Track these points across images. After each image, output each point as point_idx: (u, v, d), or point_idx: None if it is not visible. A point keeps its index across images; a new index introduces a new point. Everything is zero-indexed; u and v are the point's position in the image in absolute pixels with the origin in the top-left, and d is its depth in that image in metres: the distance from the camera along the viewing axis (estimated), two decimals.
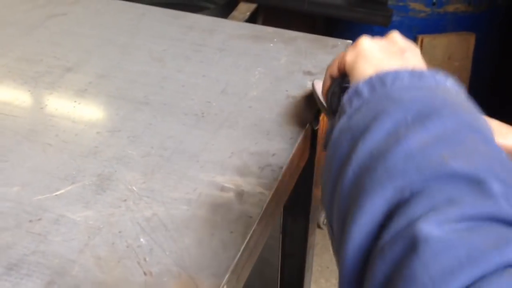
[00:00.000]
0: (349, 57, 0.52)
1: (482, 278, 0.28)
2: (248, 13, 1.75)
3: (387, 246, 0.32)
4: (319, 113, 0.78)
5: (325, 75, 0.62)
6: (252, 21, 1.69)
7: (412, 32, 1.82)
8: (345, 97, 0.45)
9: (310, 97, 0.81)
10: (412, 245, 0.30)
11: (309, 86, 0.83)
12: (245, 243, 0.58)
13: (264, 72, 0.88)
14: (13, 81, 0.85)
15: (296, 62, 0.91)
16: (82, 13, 1.06)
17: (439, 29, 1.85)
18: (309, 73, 0.88)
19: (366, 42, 0.51)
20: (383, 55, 0.50)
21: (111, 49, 0.94)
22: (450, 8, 1.83)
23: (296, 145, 0.72)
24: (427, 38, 1.80)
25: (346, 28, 1.97)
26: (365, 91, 0.43)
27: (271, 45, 0.96)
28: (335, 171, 0.40)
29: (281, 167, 0.68)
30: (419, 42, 1.81)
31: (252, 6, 1.73)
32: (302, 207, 0.94)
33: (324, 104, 0.68)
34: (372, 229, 0.34)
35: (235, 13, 1.75)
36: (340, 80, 0.59)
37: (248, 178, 0.66)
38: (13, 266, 0.55)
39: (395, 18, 1.72)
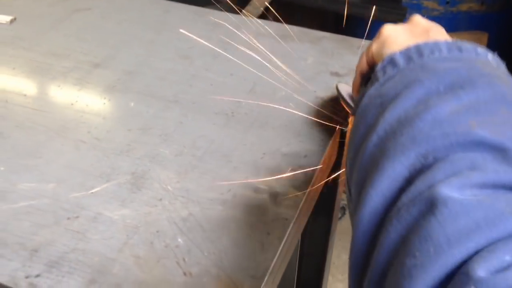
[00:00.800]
0: (375, 46, 0.52)
1: (498, 240, 0.28)
2: (262, 8, 1.75)
3: (405, 208, 0.32)
4: (349, 115, 0.79)
5: (355, 74, 0.62)
6: (265, 15, 1.69)
7: None
8: (379, 65, 0.44)
9: (337, 98, 0.81)
10: (430, 206, 0.31)
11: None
12: (282, 245, 0.59)
13: (292, 72, 0.88)
14: (42, 76, 0.85)
15: (323, 62, 0.91)
16: (106, 8, 1.06)
17: (452, 28, 1.85)
18: (336, 74, 0.88)
19: (389, 28, 0.51)
20: (408, 37, 0.49)
21: (138, 45, 0.94)
22: (463, 7, 1.83)
23: (328, 147, 0.72)
24: None
25: (357, 25, 1.96)
26: (401, 61, 0.42)
27: (298, 44, 0.96)
28: (360, 136, 0.41)
29: (314, 170, 0.68)
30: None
31: (266, 0, 1.73)
32: (325, 207, 0.94)
33: (352, 104, 0.68)
34: (391, 193, 0.34)
35: (249, 7, 1.75)
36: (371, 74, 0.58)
37: (281, 180, 0.67)
38: (54, 264, 0.55)
39: (407, 16, 1.72)
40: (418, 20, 0.52)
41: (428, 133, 0.35)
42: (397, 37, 0.50)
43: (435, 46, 0.42)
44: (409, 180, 0.34)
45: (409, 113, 0.37)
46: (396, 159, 0.35)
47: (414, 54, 0.42)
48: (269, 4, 1.75)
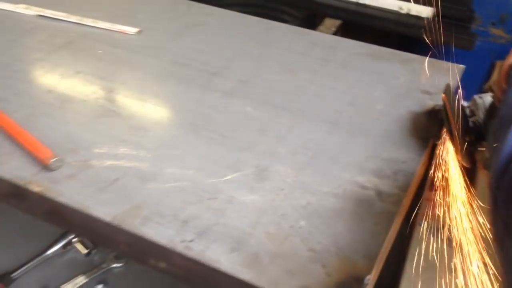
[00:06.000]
0: None
1: None
2: (333, 28, 1.87)
3: None
4: (441, 129, 0.88)
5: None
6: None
7: (490, 57, 1.88)
8: None
9: (431, 114, 0.91)
10: None
11: (429, 103, 0.93)
12: (389, 234, 0.69)
13: (385, 89, 0.99)
14: (169, 81, 0.99)
15: (414, 81, 1.01)
16: (217, 24, 1.20)
17: None
18: (427, 92, 0.98)
19: None
20: None
21: (248, 59, 1.07)
22: None
23: (424, 155, 0.82)
24: None
25: (421, 49, 2.03)
26: None
27: (388, 64, 1.06)
28: None
29: (413, 173, 0.78)
30: (497, 67, 1.87)
31: (337, 22, 1.85)
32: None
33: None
34: None
35: (321, 27, 1.87)
36: None
37: (384, 180, 0.77)
38: (202, 233, 0.68)
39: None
40: None
41: None
42: None
43: None
44: None
45: None
46: None
47: None
48: (339, 25, 1.87)
